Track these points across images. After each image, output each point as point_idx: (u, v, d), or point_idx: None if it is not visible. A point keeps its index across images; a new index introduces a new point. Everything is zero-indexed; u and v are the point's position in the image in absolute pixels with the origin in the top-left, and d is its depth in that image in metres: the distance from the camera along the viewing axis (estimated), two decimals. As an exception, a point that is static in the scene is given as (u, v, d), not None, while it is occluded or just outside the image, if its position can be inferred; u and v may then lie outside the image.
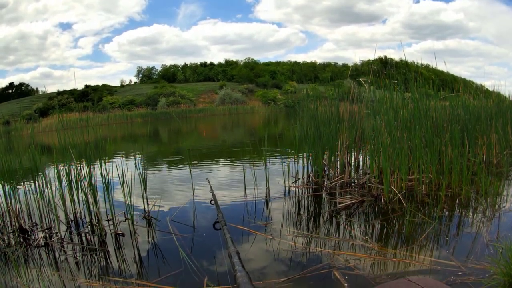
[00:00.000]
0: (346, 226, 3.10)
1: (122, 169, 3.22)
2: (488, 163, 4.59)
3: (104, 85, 40.77)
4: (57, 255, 2.74)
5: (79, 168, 3.24)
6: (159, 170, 6.43)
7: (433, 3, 67.35)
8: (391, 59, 43.74)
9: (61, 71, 64.78)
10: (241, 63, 48.94)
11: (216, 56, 77.78)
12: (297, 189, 4.30)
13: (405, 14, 67.77)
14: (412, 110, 3.97)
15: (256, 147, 4.50)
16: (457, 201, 3.53)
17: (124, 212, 3.33)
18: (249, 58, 49.46)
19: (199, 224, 3.26)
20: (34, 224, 3.32)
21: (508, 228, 2.74)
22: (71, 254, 2.74)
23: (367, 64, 41.57)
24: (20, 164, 3.51)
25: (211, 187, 3.84)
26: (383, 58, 44.74)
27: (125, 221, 3.27)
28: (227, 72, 46.41)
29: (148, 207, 3.42)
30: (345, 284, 2.05)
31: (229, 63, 49.39)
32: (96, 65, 76.35)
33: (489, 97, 5.85)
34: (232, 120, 24.21)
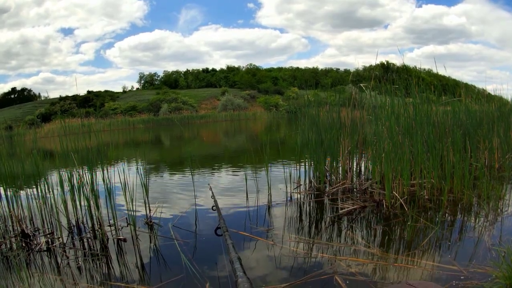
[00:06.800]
0: (348, 232, 3.10)
1: (124, 174, 3.24)
2: (490, 167, 4.57)
3: (106, 91, 41.08)
4: (59, 260, 2.74)
5: (81, 173, 3.25)
6: (161, 176, 6.45)
7: (436, 7, 67.55)
8: (393, 64, 43.82)
9: (63, 76, 65.23)
10: (243, 69, 49.15)
11: (218, 62, 78.38)
12: (299, 195, 4.29)
13: (407, 18, 67.95)
14: (414, 115, 3.97)
15: (258, 153, 4.51)
16: (459, 206, 3.52)
17: (126, 218, 3.34)
18: (251, 64, 49.74)
19: (200, 230, 3.26)
20: (36, 229, 3.33)
21: (511, 232, 2.73)
22: (73, 259, 2.74)
23: (368, 69, 41.61)
24: (23, 169, 3.53)
25: (212, 193, 3.84)
26: (385, 63, 44.82)
27: (127, 226, 3.28)
28: (229, 78, 46.60)
29: (150, 212, 3.43)
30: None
31: (231, 69, 49.60)
32: (98, 71, 77.04)
33: (491, 101, 5.84)
34: (234, 126, 24.24)
